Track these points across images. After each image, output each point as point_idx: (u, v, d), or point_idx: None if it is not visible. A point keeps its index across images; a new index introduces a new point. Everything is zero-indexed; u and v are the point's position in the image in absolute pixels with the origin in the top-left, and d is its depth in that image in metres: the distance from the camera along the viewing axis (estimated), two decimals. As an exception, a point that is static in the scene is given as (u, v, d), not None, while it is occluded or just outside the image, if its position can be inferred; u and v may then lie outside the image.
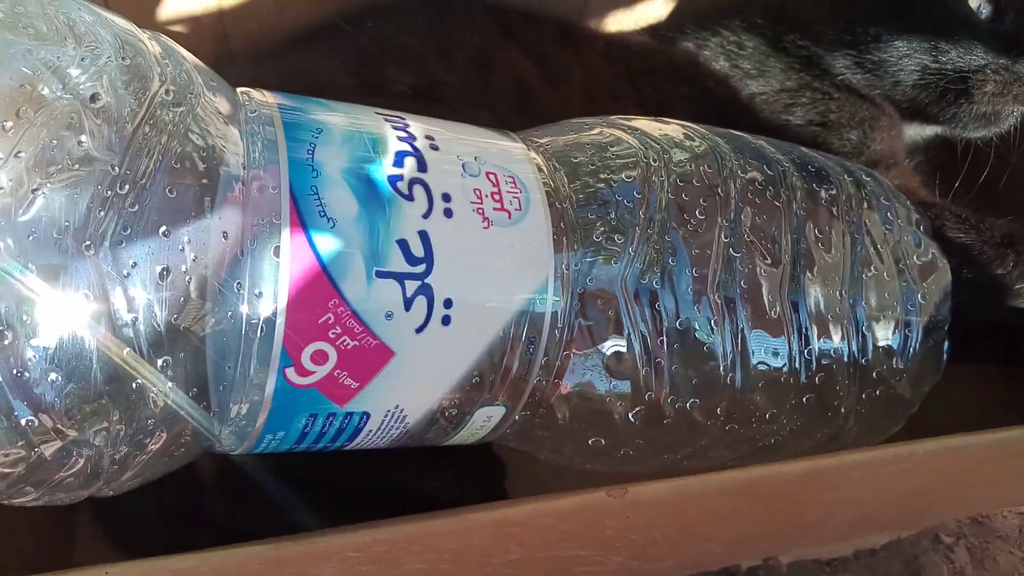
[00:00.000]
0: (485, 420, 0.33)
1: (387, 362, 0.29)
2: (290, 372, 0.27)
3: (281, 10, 0.54)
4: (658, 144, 0.36)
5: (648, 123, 0.39)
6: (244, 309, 0.26)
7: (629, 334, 0.34)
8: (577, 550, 0.40)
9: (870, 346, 0.39)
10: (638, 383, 0.34)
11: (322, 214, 0.27)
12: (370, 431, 0.31)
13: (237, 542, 0.31)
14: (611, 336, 0.33)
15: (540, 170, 0.34)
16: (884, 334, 0.39)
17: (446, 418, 0.32)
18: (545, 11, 0.57)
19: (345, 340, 0.28)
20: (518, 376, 0.32)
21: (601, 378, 0.34)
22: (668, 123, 0.39)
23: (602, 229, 0.33)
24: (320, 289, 0.27)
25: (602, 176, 0.35)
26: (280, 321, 0.26)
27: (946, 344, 0.43)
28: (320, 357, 0.27)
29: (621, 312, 0.33)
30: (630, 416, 0.35)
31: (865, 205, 0.40)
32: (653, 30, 0.60)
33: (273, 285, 0.26)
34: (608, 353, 0.34)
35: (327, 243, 0.27)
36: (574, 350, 0.33)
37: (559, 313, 0.32)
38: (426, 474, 0.47)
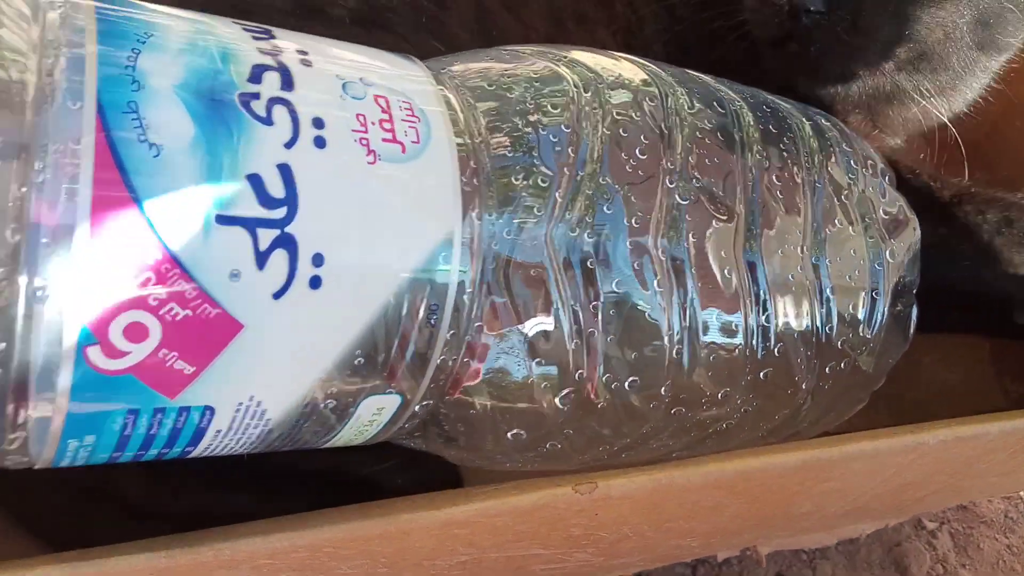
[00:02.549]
0: (375, 413, 0.27)
1: (233, 338, 0.21)
2: (94, 353, 0.20)
3: None
4: (594, 76, 0.30)
5: (586, 55, 0.32)
6: (24, 264, 0.19)
7: (556, 302, 0.27)
8: (537, 549, 0.35)
9: (835, 313, 0.33)
10: (567, 361, 0.28)
11: (143, 138, 0.20)
12: (219, 432, 0.24)
13: (149, 524, 0.28)
14: (536, 305, 0.27)
15: (448, 104, 0.27)
16: (850, 299, 0.34)
17: (321, 412, 0.25)
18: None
19: (173, 308, 0.20)
20: (416, 356, 0.26)
21: (522, 357, 0.27)
22: (609, 55, 0.33)
23: (524, 175, 0.27)
24: (135, 238, 0.20)
25: (527, 114, 0.28)
26: (75, 282, 0.19)
27: (915, 310, 0.37)
28: (138, 332, 0.20)
29: (547, 275, 0.27)
30: (557, 401, 0.28)
31: (827, 152, 0.35)
32: None
33: (66, 232, 0.19)
34: (532, 326, 0.27)
35: (147, 176, 0.20)
36: (489, 325, 0.27)
37: (468, 277, 0.26)
38: (368, 456, 0.41)
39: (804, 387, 0.34)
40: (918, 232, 0.37)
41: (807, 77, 0.43)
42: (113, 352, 0.20)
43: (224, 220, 0.21)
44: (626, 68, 0.31)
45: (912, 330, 0.38)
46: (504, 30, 0.44)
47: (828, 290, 0.33)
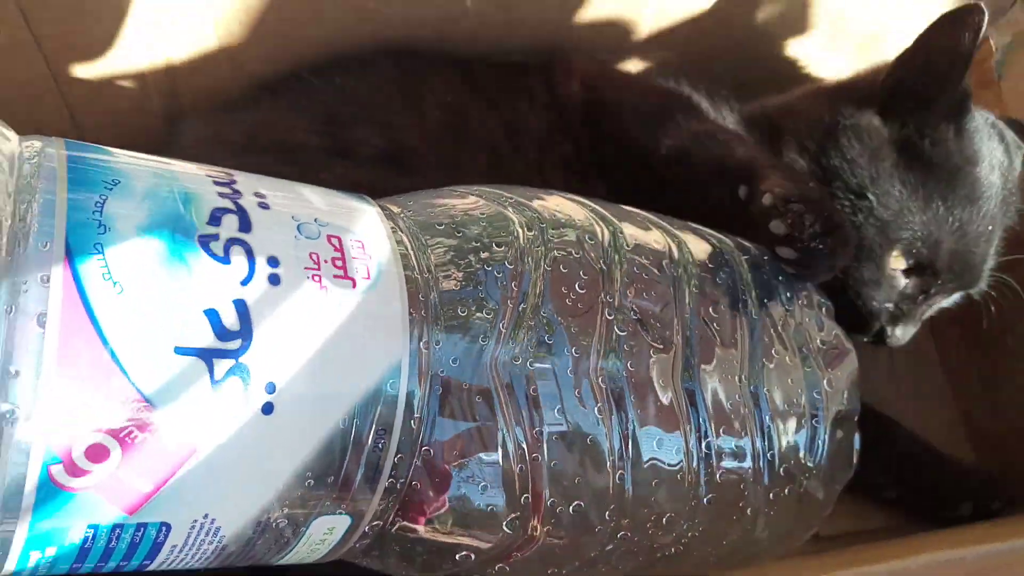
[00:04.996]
0: (326, 533, 0.28)
1: (189, 459, 0.23)
2: (57, 472, 0.21)
3: (236, 63, 0.49)
4: (537, 217, 0.33)
5: (532, 196, 0.35)
6: (-6, 391, 0.20)
7: (502, 426, 0.29)
8: None
9: (776, 439, 0.35)
10: (512, 484, 0.29)
11: (107, 276, 0.22)
12: (175, 547, 0.25)
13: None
14: (481, 430, 0.29)
15: (399, 243, 0.29)
16: (790, 426, 0.35)
17: (273, 530, 0.26)
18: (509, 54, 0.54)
19: (132, 431, 0.22)
20: (366, 477, 0.27)
21: (468, 480, 0.29)
22: (552, 195, 0.36)
23: (470, 307, 0.29)
24: (99, 367, 0.21)
25: (474, 252, 0.30)
26: (43, 406, 0.21)
27: (857, 438, 0.39)
28: (99, 453, 0.22)
29: (492, 400, 0.29)
30: (504, 525, 0.30)
31: (763, 285, 0.37)
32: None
33: (35, 361, 0.21)
34: (476, 446, 0.29)
35: (110, 311, 0.22)
36: (436, 449, 0.28)
37: (416, 402, 0.27)
38: None
39: (749, 512, 0.35)
40: (855, 362, 0.39)
41: None
42: (75, 471, 0.22)
43: (182, 351, 0.23)
44: (569, 208, 0.34)
45: (856, 456, 0.39)
46: (510, 170, 0.47)
47: (768, 417, 0.35)
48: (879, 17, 0.55)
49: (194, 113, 0.51)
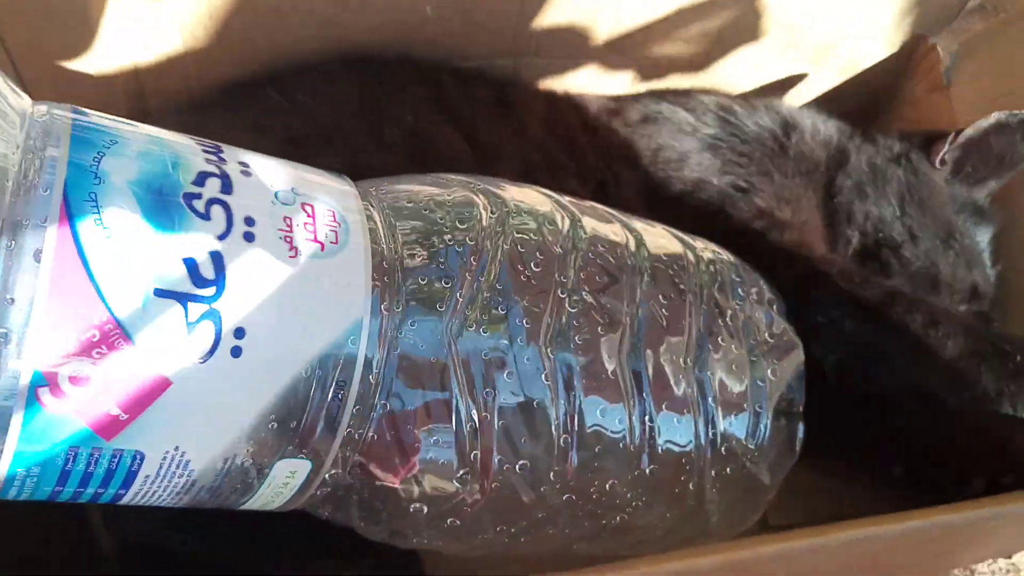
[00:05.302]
0: (288, 476, 0.30)
1: (163, 392, 0.26)
2: (44, 394, 0.24)
3: (202, 66, 0.51)
4: (502, 203, 0.35)
5: (502, 185, 0.37)
6: (-9, 316, 0.23)
7: (455, 387, 0.31)
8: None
9: (718, 420, 0.37)
10: (463, 442, 0.32)
11: (98, 222, 0.25)
12: (148, 477, 0.28)
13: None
14: (434, 386, 0.31)
15: (369, 216, 0.32)
16: (733, 409, 0.38)
17: (239, 469, 0.29)
18: (480, 67, 0.56)
19: (113, 362, 0.25)
20: (326, 425, 0.30)
21: (422, 435, 0.31)
22: (519, 185, 0.38)
23: (430, 278, 0.32)
24: (85, 301, 0.24)
25: (439, 232, 0.33)
26: (34, 332, 0.24)
27: (801, 427, 0.41)
28: (81, 379, 0.24)
29: (447, 364, 0.31)
30: (454, 480, 0.32)
31: (715, 280, 0.40)
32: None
33: (30, 292, 0.24)
34: (430, 404, 0.31)
35: (99, 253, 0.24)
36: (391, 404, 0.31)
37: (375, 361, 0.30)
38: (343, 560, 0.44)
39: (692, 487, 0.37)
40: (802, 356, 0.42)
41: None
42: (60, 394, 0.24)
43: (161, 293, 0.25)
44: (533, 197, 0.36)
45: (799, 444, 0.42)
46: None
47: (711, 399, 0.37)
48: (832, 26, 0.58)
49: (158, 114, 0.53)
